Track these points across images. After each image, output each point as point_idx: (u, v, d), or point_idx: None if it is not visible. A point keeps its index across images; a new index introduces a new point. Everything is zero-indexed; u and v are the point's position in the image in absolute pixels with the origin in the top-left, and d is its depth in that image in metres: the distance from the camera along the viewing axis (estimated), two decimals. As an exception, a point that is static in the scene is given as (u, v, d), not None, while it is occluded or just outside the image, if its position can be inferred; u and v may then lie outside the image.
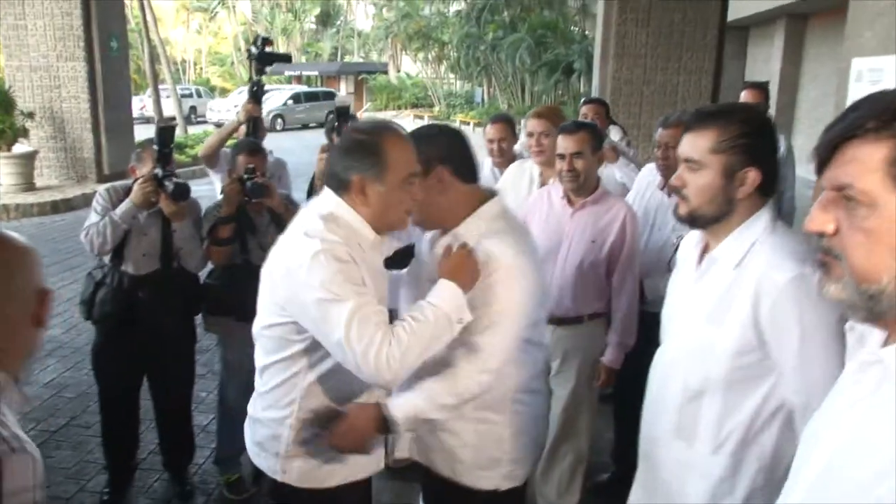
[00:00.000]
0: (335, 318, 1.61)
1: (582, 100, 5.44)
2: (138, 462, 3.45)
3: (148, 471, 3.48)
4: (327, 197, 1.78)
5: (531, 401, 2.02)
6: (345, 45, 50.96)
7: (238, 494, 3.32)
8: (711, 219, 1.61)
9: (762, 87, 4.83)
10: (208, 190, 4.18)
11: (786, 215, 4.65)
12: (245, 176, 3.03)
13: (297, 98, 28.52)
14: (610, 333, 2.91)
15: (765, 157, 1.58)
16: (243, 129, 3.72)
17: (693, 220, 1.64)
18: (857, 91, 2.38)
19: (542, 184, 3.33)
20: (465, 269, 1.75)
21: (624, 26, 9.02)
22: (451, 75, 36.06)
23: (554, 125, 3.19)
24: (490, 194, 1.96)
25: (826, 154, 0.93)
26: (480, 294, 1.78)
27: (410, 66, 42.57)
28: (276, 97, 28.69)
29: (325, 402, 1.81)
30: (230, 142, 3.86)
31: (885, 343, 0.93)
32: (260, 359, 1.89)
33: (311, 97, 29.06)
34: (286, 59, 4.33)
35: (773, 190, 1.63)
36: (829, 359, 1.48)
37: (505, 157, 3.79)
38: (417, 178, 1.76)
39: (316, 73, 44.19)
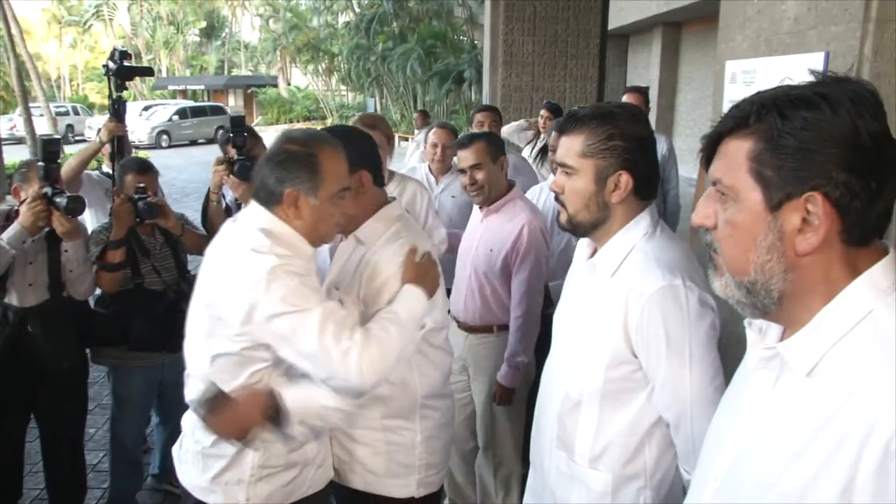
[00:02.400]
0: (305, 329, 1.57)
1: (474, 109, 5.51)
2: (21, 511, 3.17)
3: (32, 519, 3.21)
4: (257, 212, 1.71)
5: (440, 405, 2.02)
6: (231, 58, 49.66)
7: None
8: (589, 225, 1.58)
9: (642, 91, 5.00)
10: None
11: (671, 213, 4.87)
12: (136, 196, 2.87)
13: (182, 113, 27.51)
14: (506, 350, 2.82)
15: (638, 159, 1.53)
16: (107, 148, 3.45)
17: (573, 228, 1.60)
18: (732, 92, 2.50)
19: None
20: (429, 275, 1.81)
21: (511, 35, 9.24)
22: (343, 87, 35.87)
23: (386, 136, 3.08)
24: (389, 198, 2.00)
25: (709, 150, 0.96)
26: (372, 299, 1.81)
27: (300, 79, 42.00)
28: (161, 113, 27.70)
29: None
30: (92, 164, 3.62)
31: (782, 338, 0.95)
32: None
33: (198, 112, 28.11)
34: (147, 72, 4.10)
35: (652, 194, 1.60)
36: (699, 373, 1.47)
37: (445, 164, 3.86)
38: (348, 192, 1.74)
39: (202, 87, 42.78)
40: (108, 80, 3.23)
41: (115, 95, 3.25)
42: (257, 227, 1.67)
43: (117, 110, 3.32)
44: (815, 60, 1.95)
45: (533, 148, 5.31)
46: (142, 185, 2.90)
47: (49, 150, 2.72)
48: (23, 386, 2.82)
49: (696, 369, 1.47)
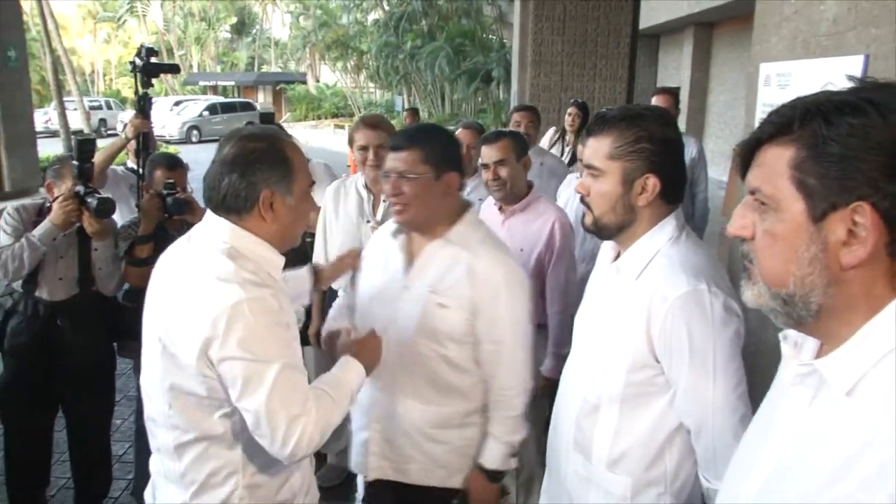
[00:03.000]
0: (256, 382, 1.43)
1: (512, 108, 5.46)
2: (47, 500, 3.22)
3: (59, 508, 3.26)
4: (217, 227, 1.55)
5: None
6: (261, 54, 50.03)
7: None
8: (615, 228, 1.55)
9: (672, 93, 4.94)
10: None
11: (699, 217, 4.83)
12: (165, 191, 2.88)
13: (213, 109, 27.84)
14: (549, 343, 2.87)
15: (665, 162, 1.51)
16: (132, 144, 3.47)
17: (599, 230, 1.58)
18: (765, 95, 2.45)
19: (374, 200, 3.00)
20: (377, 355, 1.78)
21: (540, 35, 9.18)
22: (371, 84, 35.99)
23: (390, 135, 2.83)
24: (464, 201, 2.02)
25: (746, 157, 0.93)
26: (486, 304, 1.87)
27: (329, 76, 42.20)
28: (192, 108, 28.04)
29: (266, 456, 1.54)
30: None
31: (819, 353, 0.92)
32: (170, 437, 1.57)
33: (228, 108, 28.35)
34: (174, 69, 4.11)
35: (679, 198, 1.58)
36: (723, 380, 1.45)
37: (471, 165, 3.62)
38: (313, 187, 1.65)
39: (232, 83, 43.19)
40: (135, 76, 3.25)
41: (141, 92, 3.28)
42: (219, 249, 1.50)
43: (143, 107, 3.34)
44: (854, 64, 1.89)
45: (559, 144, 5.25)
46: (171, 180, 2.92)
47: (84, 149, 2.75)
48: (51, 378, 2.86)
49: (719, 376, 1.45)
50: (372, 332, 1.81)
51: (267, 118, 3.38)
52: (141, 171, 3.39)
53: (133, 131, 3.37)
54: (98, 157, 3.60)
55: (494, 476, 1.98)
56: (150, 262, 2.88)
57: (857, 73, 1.89)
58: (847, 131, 0.81)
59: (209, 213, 1.58)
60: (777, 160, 0.87)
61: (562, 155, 5.50)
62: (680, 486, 1.57)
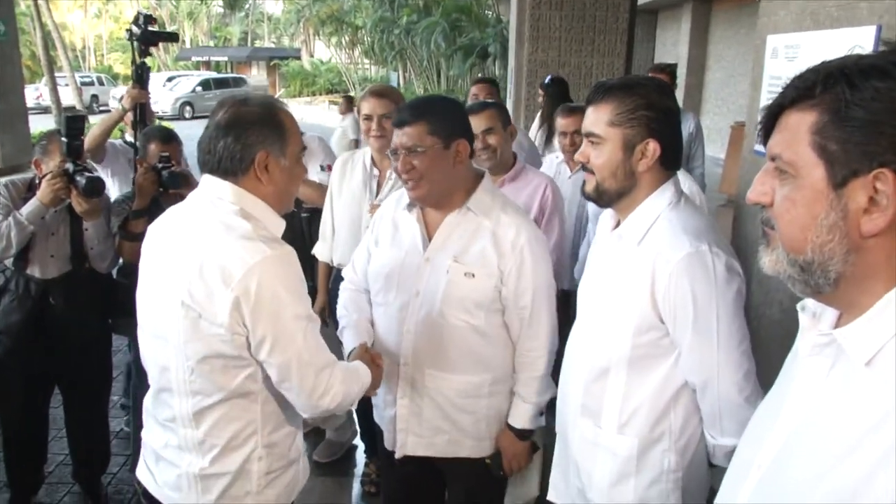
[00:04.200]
0: (289, 336, 1.51)
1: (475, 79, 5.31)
2: (45, 476, 3.21)
3: (55, 484, 3.25)
4: (219, 188, 1.56)
5: None
6: (255, 29, 49.52)
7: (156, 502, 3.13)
8: (615, 194, 1.60)
9: (669, 71, 4.89)
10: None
11: (697, 192, 4.77)
12: (160, 165, 2.83)
13: (206, 85, 27.65)
14: None
15: (664, 129, 1.56)
16: (129, 117, 3.38)
17: (599, 196, 1.62)
18: (773, 67, 2.41)
19: (379, 174, 2.92)
20: (378, 382, 1.88)
21: (538, 9, 9.07)
22: (366, 60, 35.60)
23: (396, 105, 2.73)
24: (478, 169, 2.04)
25: (768, 123, 0.90)
26: (515, 269, 1.90)
27: (324, 52, 41.77)
28: (185, 84, 27.80)
29: (282, 414, 1.65)
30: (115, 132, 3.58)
31: (838, 323, 0.90)
32: (189, 403, 1.58)
33: (221, 84, 28.15)
34: (172, 38, 3.98)
35: (677, 163, 1.63)
36: (727, 337, 1.49)
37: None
38: (302, 154, 1.67)
39: (225, 58, 42.80)
40: (132, 45, 3.15)
41: (138, 61, 3.17)
42: (231, 210, 1.53)
43: (141, 76, 3.23)
44: (866, 35, 1.85)
45: (544, 130, 5.10)
46: (165, 153, 2.87)
47: (73, 126, 2.69)
48: (46, 356, 2.83)
49: (723, 333, 1.49)
50: (380, 361, 1.90)
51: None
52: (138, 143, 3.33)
53: (130, 102, 3.27)
54: (95, 131, 3.54)
55: (523, 434, 2.04)
56: (143, 237, 2.87)
57: (869, 44, 1.86)
58: (872, 95, 0.78)
59: (207, 177, 1.59)
60: (798, 125, 0.84)
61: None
62: (685, 444, 1.61)
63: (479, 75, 5.03)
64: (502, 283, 1.92)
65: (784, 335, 2.12)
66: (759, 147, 2.40)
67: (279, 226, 1.61)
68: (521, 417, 2.02)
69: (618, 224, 1.66)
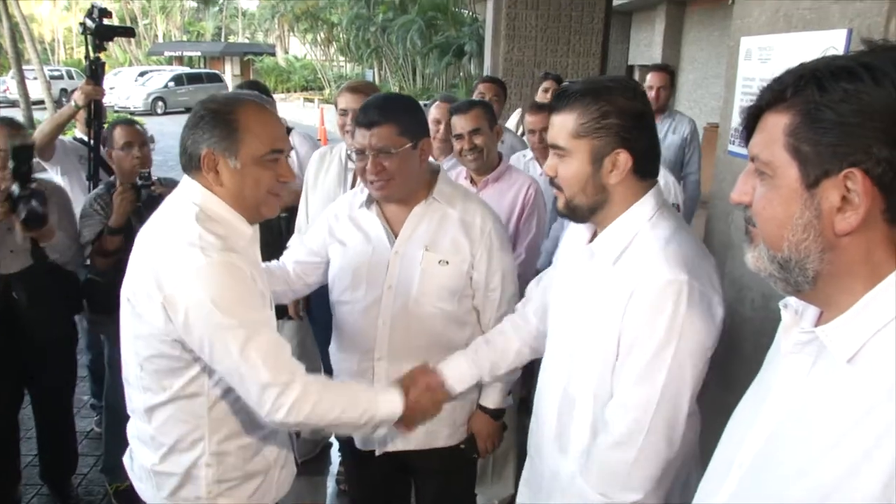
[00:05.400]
0: (226, 343, 1.43)
1: (477, 80, 5.34)
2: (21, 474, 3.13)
3: (24, 486, 3.17)
4: (188, 186, 1.56)
5: None
6: (229, 24, 48.98)
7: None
8: (587, 210, 1.47)
9: (669, 71, 4.61)
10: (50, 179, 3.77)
11: (690, 200, 4.50)
12: (140, 183, 2.77)
13: (179, 80, 27.23)
14: None
15: (636, 136, 1.41)
16: (82, 114, 3.27)
17: (572, 213, 1.49)
18: (746, 69, 2.44)
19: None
20: (430, 412, 1.77)
21: (514, 9, 9.10)
22: (341, 58, 35.48)
23: None
24: (434, 164, 2.06)
25: (749, 125, 0.92)
26: (486, 254, 1.95)
27: (298, 48, 41.55)
28: (157, 79, 27.42)
29: (236, 424, 1.60)
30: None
31: (819, 321, 0.91)
32: (142, 399, 1.59)
33: (194, 79, 27.82)
34: (128, 33, 3.88)
35: (654, 171, 1.49)
36: (676, 381, 1.35)
37: (447, 143, 3.39)
38: (281, 155, 1.56)
39: (198, 53, 42.23)
40: (86, 39, 3.04)
41: (92, 56, 3.07)
42: (190, 211, 1.50)
43: (95, 72, 3.14)
44: (837, 38, 1.89)
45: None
46: (146, 171, 2.81)
47: (20, 155, 2.57)
48: (12, 354, 2.77)
49: (677, 375, 1.35)
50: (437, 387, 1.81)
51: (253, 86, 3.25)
52: (92, 141, 3.23)
53: (84, 98, 3.15)
54: (45, 128, 3.38)
55: (497, 414, 2.07)
56: (119, 253, 2.79)
57: (840, 47, 1.89)
58: (841, 97, 0.80)
59: (184, 176, 1.59)
60: (774, 127, 0.87)
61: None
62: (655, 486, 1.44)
63: (484, 77, 5.02)
64: (473, 269, 1.96)
65: (756, 332, 2.15)
66: (732, 147, 2.43)
67: (240, 230, 1.55)
68: (492, 398, 2.03)
69: (594, 236, 1.53)
